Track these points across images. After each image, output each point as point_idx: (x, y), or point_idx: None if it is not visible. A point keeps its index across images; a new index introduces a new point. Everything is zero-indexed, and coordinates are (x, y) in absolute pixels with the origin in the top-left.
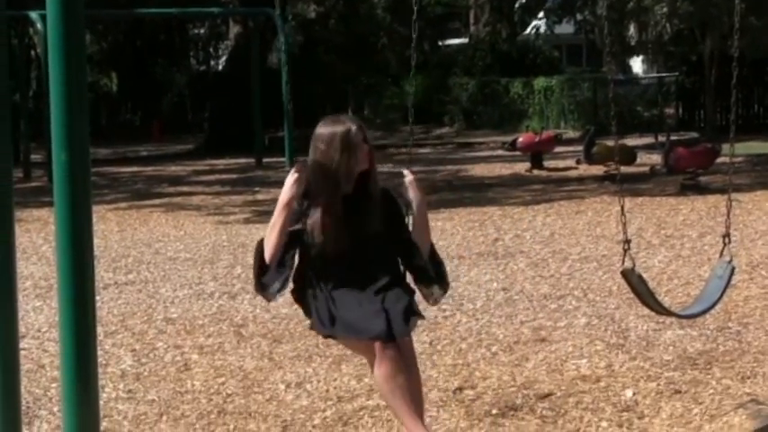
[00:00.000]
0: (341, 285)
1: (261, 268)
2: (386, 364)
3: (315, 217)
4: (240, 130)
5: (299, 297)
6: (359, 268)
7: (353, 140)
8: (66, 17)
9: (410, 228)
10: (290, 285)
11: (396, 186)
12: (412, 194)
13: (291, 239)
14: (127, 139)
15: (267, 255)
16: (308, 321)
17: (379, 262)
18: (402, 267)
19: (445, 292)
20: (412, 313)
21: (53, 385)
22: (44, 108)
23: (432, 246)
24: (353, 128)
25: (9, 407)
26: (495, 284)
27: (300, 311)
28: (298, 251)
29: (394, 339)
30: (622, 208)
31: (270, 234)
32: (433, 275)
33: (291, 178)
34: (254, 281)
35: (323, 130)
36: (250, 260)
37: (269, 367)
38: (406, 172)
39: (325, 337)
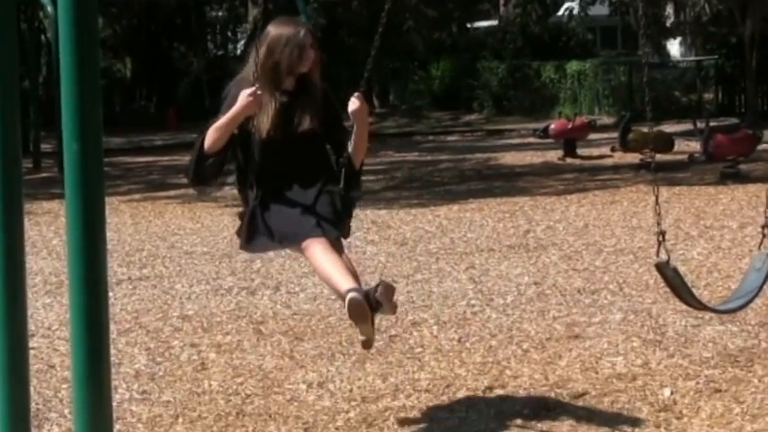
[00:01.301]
0: (274, 185)
1: (199, 159)
2: (315, 248)
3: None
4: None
5: (240, 189)
6: (293, 165)
7: (300, 41)
8: (78, 0)
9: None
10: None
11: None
12: (354, 111)
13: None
14: (141, 127)
15: (207, 144)
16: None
17: (313, 159)
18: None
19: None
20: (341, 220)
21: (64, 386)
22: (55, 95)
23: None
24: (302, 31)
25: (18, 409)
26: (526, 278)
27: (314, 308)
28: (239, 147)
29: (323, 236)
30: (657, 198)
31: (213, 134)
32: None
33: (250, 100)
34: (191, 173)
35: (273, 29)
36: (269, 253)
37: (290, 366)
38: (356, 94)
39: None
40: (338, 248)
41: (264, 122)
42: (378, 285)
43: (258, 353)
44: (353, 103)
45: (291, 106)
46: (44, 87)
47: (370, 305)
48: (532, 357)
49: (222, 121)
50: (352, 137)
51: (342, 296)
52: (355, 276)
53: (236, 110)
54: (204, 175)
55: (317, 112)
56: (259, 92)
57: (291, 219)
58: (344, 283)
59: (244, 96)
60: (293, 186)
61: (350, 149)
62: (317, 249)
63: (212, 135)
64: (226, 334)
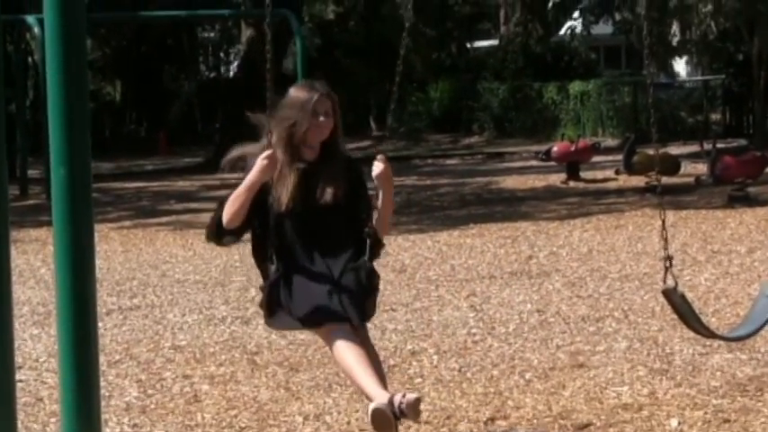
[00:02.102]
0: (296, 259)
1: (217, 227)
2: (338, 339)
3: (274, 184)
4: (254, 142)
5: (259, 262)
6: (316, 237)
7: (313, 108)
8: (66, 21)
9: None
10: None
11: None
12: (379, 175)
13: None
14: (131, 151)
15: (226, 219)
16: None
17: (336, 232)
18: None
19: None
20: (367, 298)
21: (52, 420)
22: (42, 119)
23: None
24: (315, 96)
25: None
26: (528, 306)
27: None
28: (258, 219)
29: (347, 322)
30: (663, 222)
31: (230, 208)
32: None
33: (265, 163)
34: (207, 231)
35: (289, 94)
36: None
37: (285, 398)
38: (379, 156)
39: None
40: (362, 333)
41: (284, 195)
42: (404, 396)
43: (253, 384)
44: (377, 167)
45: (313, 177)
46: (31, 111)
47: (394, 414)
48: (535, 387)
49: (239, 189)
50: (378, 203)
51: (365, 394)
52: (379, 372)
53: (252, 175)
54: (224, 244)
55: (341, 182)
56: (275, 155)
57: (314, 298)
58: (368, 385)
59: (259, 160)
60: (315, 260)
61: (374, 218)
62: (340, 343)
63: (230, 207)
64: (219, 365)
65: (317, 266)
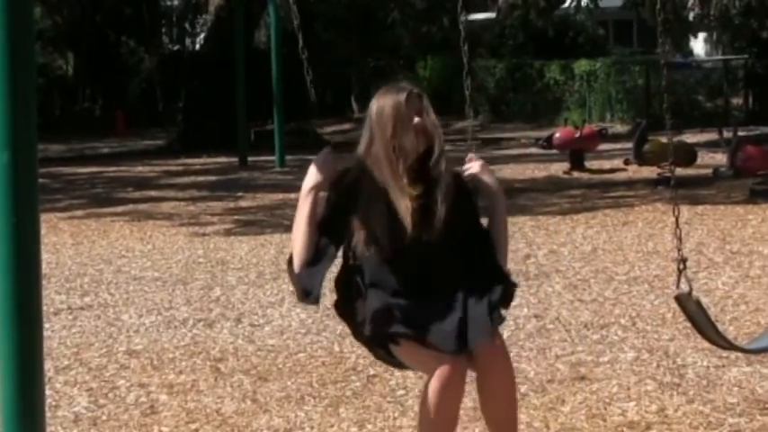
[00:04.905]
0: (401, 296)
1: (296, 279)
2: (443, 377)
3: (364, 213)
4: (221, 123)
5: (343, 310)
6: (425, 279)
7: (403, 114)
8: None
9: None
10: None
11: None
12: (490, 183)
13: (325, 233)
14: (84, 132)
15: (296, 262)
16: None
17: (449, 271)
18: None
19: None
20: (493, 311)
21: None
22: None
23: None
24: (403, 95)
25: None
26: (525, 310)
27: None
28: (334, 248)
29: (460, 353)
30: (677, 219)
31: (295, 232)
32: (507, 287)
33: (317, 163)
34: (296, 292)
35: (373, 103)
36: (230, 279)
37: (252, 410)
38: (471, 155)
39: (384, 339)
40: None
41: (381, 233)
42: None
43: (216, 395)
44: (483, 174)
45: (417, 204)
46: None
47: None
48: (531, 402)
49: (298, 208)
50: (494, 224)
51: None
52: None
53: (306, 183)
54: (312, 296)
55: (453, 206)
56: (331, 152)
57: (435, 322)
58: None
59: (314, 161)
60: (428, 300)
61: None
62: (443, 380)
63: (295, 240)
64: (179, 373)
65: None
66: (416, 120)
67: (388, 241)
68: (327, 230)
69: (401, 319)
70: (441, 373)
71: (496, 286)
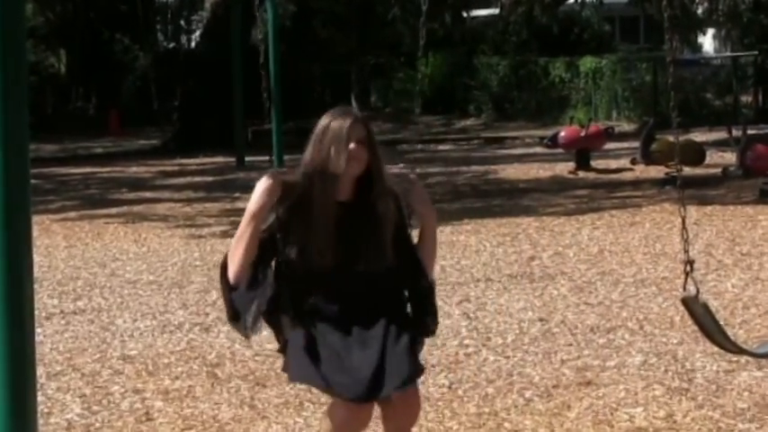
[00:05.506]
0: (326, 320)
1: (229, 291)
2: (343, 415)
3: (298, 227)
4: (217, 123)
5: (271, 320)
6: (350, 297)
7: (344, 138)
8: None
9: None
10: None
11: (402, 192)
12: (421, 205)
13: (263, 252)
14: (78, 132)
15: (232, 273)
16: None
17: (376, 289)
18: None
19: (436, 325)
20: (413, 367)
21: None
22: None
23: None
24: (348, 122)
25: None
26: (529, 314)
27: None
28: (272, 269)
29: (372, 401)
30: (684, 219)
31: (235, 249)
32: (431, 304)
33: (264, 184)
34: (227, 310)
35: (321, 122)
36: None
37: (250, 417)
38: (412, 176)
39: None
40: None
41: (321, 246)
42: None
43: (213, 401)
44: (416, 192)
45: (350, 223)
46: None
47: None
48: (536, 408)
49: (241, 227)
50: (423, 238)
51: None
52: None
53: (252, 204)
54: (244, 324)
55: (383, 230)
56: (279, 175)
57: (346, 364)
58: None
59: (260, 183)
60: (350, 324)
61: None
62: (342, 419)
63: (234, 255)
64: (175, 378)
65: (346, 329)
66: (352, 146)
67: (311, 261)
68: (265, 250)
69: (313, 364)
70: (347, 413)
71: (420, 320)
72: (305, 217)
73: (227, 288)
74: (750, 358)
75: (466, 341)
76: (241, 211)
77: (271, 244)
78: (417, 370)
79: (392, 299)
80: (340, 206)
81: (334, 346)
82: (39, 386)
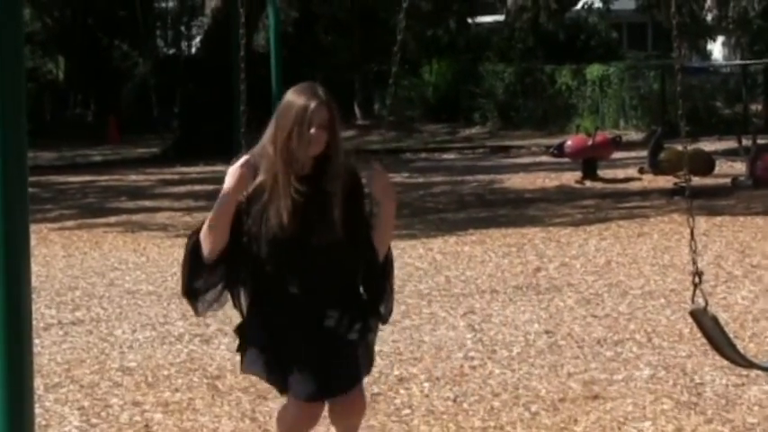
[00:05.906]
0: (282, 309)
1: (194, 268)
2: (295, 414)
3: (261, 198)
4: (218, 130)
5: (233, 294)
6: (307, 274)
7: (306, 122)
8: None
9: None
10: (224, 301)
11: (367, 178)
12: (380, 193)
13: (231, 245)
14: (76, 139)
15: (206, 251)
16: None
17: (330, 265)
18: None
19: (390, 312)
20: (359, 370)
21: None
22: None
23: (388, 253)
24: (313, 104)
25: None
26: (536, 326)
27: None
28: (236, 260)
29: (321, 400)
30: (692, 230)
31: (209, 234)
32: (383, 290)
33: (238, 169)
34: (183, 283)
35: (285, 97)
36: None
37: (251, 430)
38: (377, 165)
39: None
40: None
41: (279, 218)
42: None
43: (213, 413)
44: (378, 179)
45: (307, 203)
46: None
47: None
48: (542, 422)
49: (214, 210)
50: (378, 222)
51: None
52: None
53: (225, 188)
54: (200, 301)
55: (339, 207)
56: (251, 160)
57: (302, 361)
58: None
59: (233, 168)
60: (307, 313)
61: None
62: (294, 419)
63: (208, 232)
64: (175, 390)
65: (303, 319)
66: (313, 131)
67: (270, 228)
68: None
69: (266, 362)
70: (298, 411)
71: (373, 306)
72: (266, 188)
73: (196, 264)
74: (760, 372)
75: (471, 353)
76: None
77: (237, 221)
78: (365, 371)
79: (346, 281)
80: (298, 180)
81: (287, 341)
82: (36, 398)
